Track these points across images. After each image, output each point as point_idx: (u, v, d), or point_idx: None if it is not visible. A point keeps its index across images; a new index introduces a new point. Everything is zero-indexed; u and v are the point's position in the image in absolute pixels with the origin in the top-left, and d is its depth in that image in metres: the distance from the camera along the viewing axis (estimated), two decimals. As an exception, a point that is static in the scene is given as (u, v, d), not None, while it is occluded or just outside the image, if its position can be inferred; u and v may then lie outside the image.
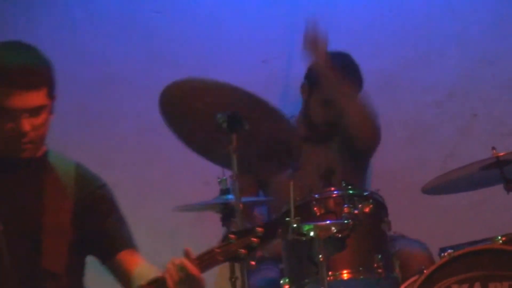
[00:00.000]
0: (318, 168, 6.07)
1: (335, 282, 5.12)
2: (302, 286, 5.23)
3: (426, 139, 6.48)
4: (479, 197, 5.84)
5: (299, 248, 5.19)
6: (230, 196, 5.27)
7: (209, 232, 5.90)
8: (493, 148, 5.22)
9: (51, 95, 4.03)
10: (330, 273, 5.05)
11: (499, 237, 5.16)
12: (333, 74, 5.79)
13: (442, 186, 5.59)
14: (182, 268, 3.86)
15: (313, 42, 5.90)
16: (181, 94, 5.26)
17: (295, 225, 4.98)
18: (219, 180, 5.39)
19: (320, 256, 4.89)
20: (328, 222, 5.02)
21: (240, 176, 5.30)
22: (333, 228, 4.95)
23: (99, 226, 4.28)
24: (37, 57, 4.11)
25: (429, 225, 6.19)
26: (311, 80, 6.27)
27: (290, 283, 5.27)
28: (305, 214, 5.14)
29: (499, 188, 5.36)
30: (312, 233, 4.94)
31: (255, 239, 3.98)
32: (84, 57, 6.53)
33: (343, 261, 5.17)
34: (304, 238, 4.98)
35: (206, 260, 3.94)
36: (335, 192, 5.29)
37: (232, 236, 4.02)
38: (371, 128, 6.02)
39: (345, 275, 5.17)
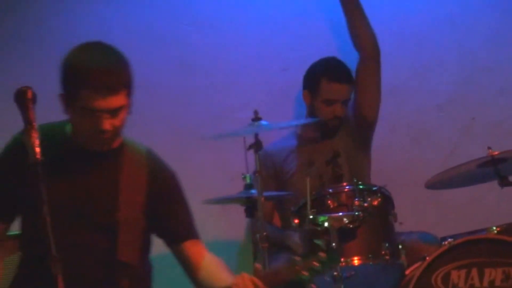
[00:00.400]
0: (325, 158, 6.12)
1: (346, 267, 5.13)
2: (318, 270, 5.12)
3: (428, 140, 6.49)
4: (476, 192, 5.85)
5: (314, 237, 5.18)
6: (253, 191, 5.25)
7: (234, 223, 6.07)
8: (489, 148, 5.25)
9: (129, 95, 3.94)
10: (342, 259, 5.11)
11: (494, 228, 5.25)
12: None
13: (443, 182, 5.60)
14: (254, 285, 3.85)
15: None
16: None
17: (311, 217, 5.09)
18: (243, 176, 5.39)
19: (334, 244, 4.99)
20: (340, 214, 5.15)
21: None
22: (345, 219, 5.09)
23: (170, 214, 4.22)
24: (119, 59, 3.99)
25: (431, 217, 6.21)
26: (310, 86, 6.27)
27: (307, 269, 5.34)
28: (320, 207, 5.22)
29: (494, 184, 5.41)
30: (326, 224, 5.06)
31: (317, 264, 3.99)
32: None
33: (354, 249, 5.21)
34: (319, 228, 5.08)
35: (272, 279, 3.98)
36: (347, 187, 5.34)
37: (297, 258, 4.03)
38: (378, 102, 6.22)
39: (356, 261, 5.20)
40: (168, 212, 4.18)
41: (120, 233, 3.96)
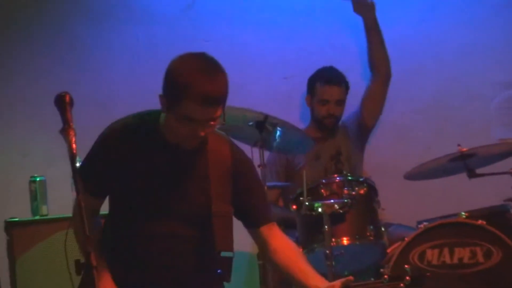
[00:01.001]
0: (330, 154, 6.17)
1: (337, 246, 5.20)
2: (313, 250, 5.31)
3: (409, 138, 6.50)
4: (448, 182, 5.80)
5: (310, 221, 5.29)
6: (269, 184, 5.41)
7: None
8: (459, 145, 5.28)
9: (223, 106, 3.73)
10: (333, 239, 5.17)
11: (463, 213, 5.29)
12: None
13: (420, 174, 5.66)
14: None
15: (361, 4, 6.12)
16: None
17: (307, 203, 5.12)
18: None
19: (326, 226, 5.08)
20: (332, 201, 5.20)
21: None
22: (336, 205, 5.16)
23: (251, 200, 4.02)
24: (222, 73, 3.73)
25: (409, 204, 6.20)
26: (309, 90, 6.32)
27: (303, 247, 5.33)
28: (314, 195, 5.26)
29: (463, 176, 5.46)
30: (320, 209, 5.11)
31: (403, 285, 3.77)
32: (140, 78, 6.25)
33: (343, 231, 5.27)
34: (314, 213, 5.14)
35: None
36: (337, 178, 5.38)
37: (386, 276, 3.87)
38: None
39: (345, 241, 5.27)
40: (250, 198, 4.00)
41: (215, 224, 3.84)
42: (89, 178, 3.67)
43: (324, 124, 6.27)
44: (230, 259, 3.84)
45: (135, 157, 3.72)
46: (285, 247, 3.98)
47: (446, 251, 5.18)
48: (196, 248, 3.81)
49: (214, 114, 3.64)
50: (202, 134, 3.67)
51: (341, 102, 6.27)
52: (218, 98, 3.62)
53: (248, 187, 3.99)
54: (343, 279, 3.70)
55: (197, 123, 3.63)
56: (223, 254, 3.78)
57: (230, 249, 3.85)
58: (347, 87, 6.31)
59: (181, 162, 3.77)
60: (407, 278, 3.75)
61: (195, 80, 3.61)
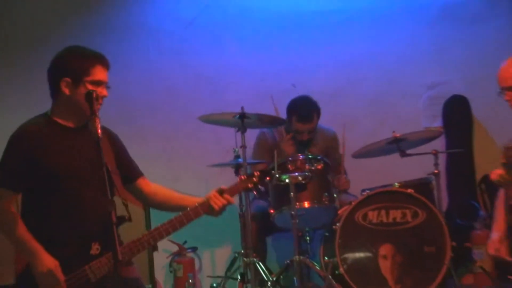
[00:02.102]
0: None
1: (300, 209, 5.21)
2: (281, 211, 5.33)
3: (356, 126, 6.37)
4: (385, 160, 5.80)
5: (279, 189, 5.30)
6: (240, 160, 5.36)
7: (227, 178, 5.65)
8: (393, 132, 5.35)
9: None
10: (297, 203, 5.18)
11: (396, 184, 5.37)
12: None
13: (364, 153, 5.66)
14: (223, 196, 3.71)
15: None
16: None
17: (277, 175, 5.11)
18: (233, 150, 5.54)
19: (292, 193, 5.11)
20: (296, 174, 5.23)
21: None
22: (299, 177, 5.21)
23: (127, 158, 3.88)
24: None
25: (356, 176, 6.01)
26: (287, 117, 5.95)
27: (274, 209, 5.39)
28: (283, 169, 5.26)
29: (396, 155, 5.48)
30: (287, 180, 5.15)
31: (255, 179, 3.93)
32: (150, 80, 6.09)
33: (305, 197, 5.30)
34: (282, 183, 5.17)
35: (233, 190, 3.83)
36: (301, 157, 5.36)
37: (242, 177, 3.96)
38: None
39: (306, 204, 5.30)
40: (125, 157, 3.87)
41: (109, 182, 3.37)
42: (11, 175, 3.54)
43: (298, 139, 6.02)
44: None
45: (46, 146, 3.54)
46: (159, 188, 3.93)
47: (383, 212, 5.26)
48: (100, 205, 3.38)
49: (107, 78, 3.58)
50: (106, 94, 3.57)
51: (312, 129, 6.00)
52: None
53: (123, 149, 3.87)
54: (216, 188, 3.77)
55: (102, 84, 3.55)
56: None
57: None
58: (318, 116, 5.99)
59: (77, 139, 3.58)
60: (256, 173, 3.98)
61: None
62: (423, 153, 5.49)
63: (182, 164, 5.79)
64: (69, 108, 3.59)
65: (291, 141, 5.99)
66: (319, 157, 5.45)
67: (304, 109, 5.94)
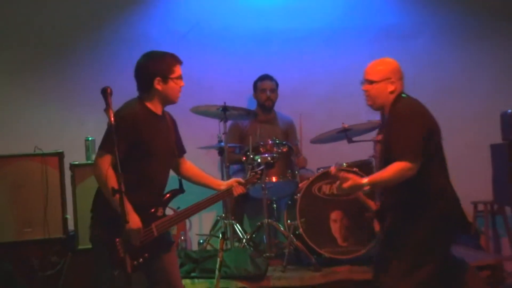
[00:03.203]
0: (269, 135, 5.71)
1: (269, 182, 5.23)
2: (254, 183, 4.54)
3: (312, 119, 6.16)
4: (336, 146, 5.73)
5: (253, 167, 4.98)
6: (222, 143, 5.42)
7: (211, 158, 5.98)
8: (343, 123, 5.30)
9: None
10: (267, 178, 5.20)
11: (344, 164, 5.27)
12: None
13: (319, 140, 5.58)
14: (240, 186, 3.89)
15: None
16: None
17: (251, 156, 5.19)
18: (218, 136, 5.53)
19: (264, 170, 4.93)
20: (266, 155, 5.21)
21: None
22: (268, 158, 5.19)
23: (180, 139, 3.95)
24: None
25: (313, 157, 5.94)
26: (254, 87, 6.10)
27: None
28: (256, 151, 5.28)
29: (344, 142, 5.41)
30: (259, 160, 5.16)
31: (258, 176, 4.09)
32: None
33: (273, 173, 5.29)
34: (255, 162, 5.12)
35: (247, 182, 4.00)
36: (270, 141, 5.35)
37: (253, 173, 4.11)
38: None
39: (274, 179, 5.30)
40: (179, 138, 3.93)
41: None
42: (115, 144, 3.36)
43: (265, 106, 6.08)
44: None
45: (142, 126, 3.57)
46: (192, 167, 4.00)
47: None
48: (165, 178, 3.76)
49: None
50: (183, 84, 3.72)
51: (273, 90, 6.08)
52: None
53: (178, 131, 3.93)
54: (236, 179, 3.96)
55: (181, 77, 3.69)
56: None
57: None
58: (276, 83, 6.09)
59: (161, 124, 3.68)
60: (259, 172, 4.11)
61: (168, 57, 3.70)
62: (365, 140, 5.44)
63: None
64: (160, 99, 3.67)
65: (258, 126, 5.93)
66: (284, 142, 5.43)
67: (264, 74, 6.05)
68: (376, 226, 4.95)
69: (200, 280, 4.85)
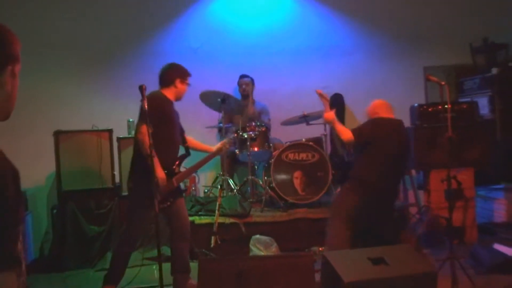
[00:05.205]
0: (248, 114, 5.68)
1: (252, 151, 5.15)
2: (242, 152, 5.21)
3: (284, 108, 5.85)
4: (299, 128, 5.55)
5: (242, 141, 5.19)
6: (221, 124, 5.31)
7: (213, 135, 5.91)
8: (304, 111, 5.20)
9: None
10: (250, 148, 5.14)
11: (303, 139, 5.26)
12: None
13: (288, 122, 5.46)
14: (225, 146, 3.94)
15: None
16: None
17: (240, 133, 5.17)
18: (218, 119, 5.43)
19: (248, 143, 5.10)
20: (251, 132, 5.18)
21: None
22: (252, 134, 5.18)
23: (179, 123, 3.87)
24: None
25: (283, 135, 5.72)
26: (238, 83, 5.85)
27: (239, 151, 5.26)
28: (244, 130, 5.21)
29: (304, 124, 5.40)
30: (245, 136, 5.14)
31: (231, 142, 4.14)
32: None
33: (255, 144, 5.20)
34: (243, 138, 5.14)
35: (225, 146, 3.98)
36: (253, 124, 5.24)
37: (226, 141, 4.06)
38: None
39: (256, 149, 5.20)
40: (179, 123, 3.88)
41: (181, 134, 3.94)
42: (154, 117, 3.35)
43: (243, 95, 5.82)
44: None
45: (166, 107, 3.64)
46: (191, 139, 3.96)
47: (296, 154, 5.21)
48: (178, 144, 3.75)
49: None
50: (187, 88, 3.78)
51: (248, 85, 5.81)
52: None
53: (178, 117, 3.85)
54: (224, 140, 4.03)
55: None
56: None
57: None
58: (251, 79, 5.85)
59: (173, 107, 3.72)
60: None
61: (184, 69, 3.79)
62: (319, 124, 5.42)
63: (191, 125, 5.71)
64: (174, 93, 3.72)
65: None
66: (263, 124, 5.38)
67: (242, 74, 5.86)
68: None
69: (205, 217, 4.86)
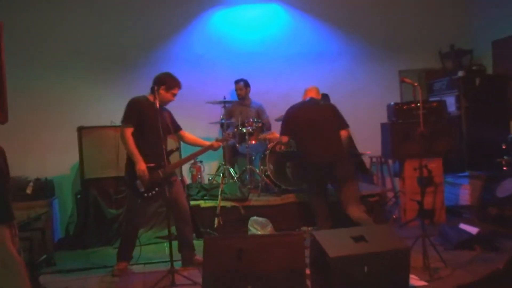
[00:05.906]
0: (245, 113, 5.57)
1: (250, 144, 5.11)
2: (241, 144, 5.15)
3: (277, 107, 5.48)
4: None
5: (241, 135, 5.14)
6: (223, 120, 5.25)
7: (215, 129, 5.80)
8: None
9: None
10: (248, 142, 5.09)
11: None
12: None
13: (282, 119, 5.16)
14: (217, 142, 3.74)
15: None
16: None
17: (240, 128, 5.12)
18: (220, 117, 5.40)
19: (246, 136, 5.07)
20: (249, 127, 5.12)
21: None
22: (250, 129, 5.13)
23: (175, 120, 3.81)
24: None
25: (277, 130, 5.05)
26: (235, 86, 5.70)
27: (238, 143, 5.24)
28: (243, 125, 5.15)
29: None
30: (244, 130, 5.10)
31: (231, 135, 4.03)
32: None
33: (252, 138, 5.13)
34: (241, 132, 5.09)
35: (222, 140, 3.84)
36: (251, 120, 5.18)
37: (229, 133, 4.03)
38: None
39: (253, 141, 5.14)
40: (173, 120, 3.79)
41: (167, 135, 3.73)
42: (133, 119, 3.46)
43: (239, 97, 5.69)
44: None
45: (146, 110, 3.48)
46: (188, 135, 3.84)
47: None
48: (161, 141, 3.38)
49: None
50: (174, 99, 3.64)
51: (242, 88, 5.67)
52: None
53: (173, 117, 3.79)
54: (216, 139, 3.84)
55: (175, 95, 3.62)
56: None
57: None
58: (246, 84, 5.70)
59: (158, 113, 3.44)
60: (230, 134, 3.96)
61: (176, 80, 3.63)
62: None
63: (196, 121, 5.65)
64: (160, 99, 3.55)
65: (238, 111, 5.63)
66: (259, 121, 5.33)
67: (237, 79, 5.71)
68: None
69: (209, 201, 4.85)
